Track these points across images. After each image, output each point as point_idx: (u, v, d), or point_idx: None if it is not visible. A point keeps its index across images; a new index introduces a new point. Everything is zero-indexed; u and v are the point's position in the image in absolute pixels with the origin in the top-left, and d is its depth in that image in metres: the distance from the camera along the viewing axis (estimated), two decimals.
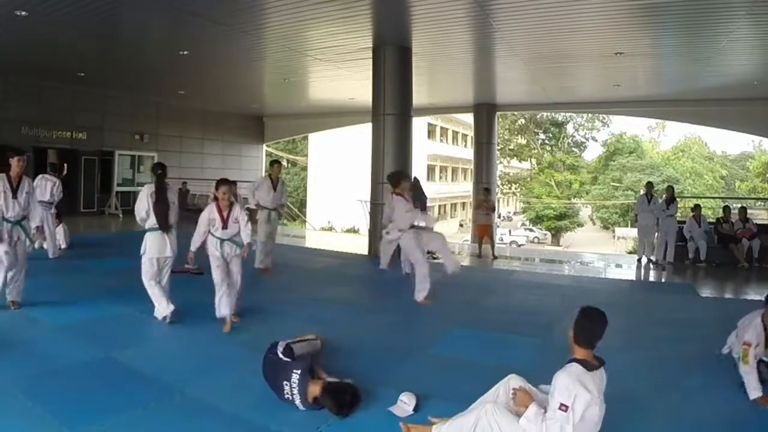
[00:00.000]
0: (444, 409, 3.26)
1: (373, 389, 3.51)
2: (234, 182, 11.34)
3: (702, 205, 10.85)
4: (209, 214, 4.95)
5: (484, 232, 10.54)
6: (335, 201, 29.99)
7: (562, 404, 2.41)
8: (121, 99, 16.16)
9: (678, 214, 10.23)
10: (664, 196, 10.11)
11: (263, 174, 8.16)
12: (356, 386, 3.28)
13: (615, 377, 3.90)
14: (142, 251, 4.98)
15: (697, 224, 9.96)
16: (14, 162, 5.04)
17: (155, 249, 4.93)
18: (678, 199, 10.60)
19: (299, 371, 3.22)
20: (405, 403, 3.21)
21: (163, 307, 4.89)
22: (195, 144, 19.13)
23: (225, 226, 4.93)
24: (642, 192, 10.53)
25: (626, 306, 6.60)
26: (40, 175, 7.95)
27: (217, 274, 4.92)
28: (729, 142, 64.39)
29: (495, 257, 10.35)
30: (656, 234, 10.05)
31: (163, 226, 4.92)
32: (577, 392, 2.40)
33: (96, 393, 3.34)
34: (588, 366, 2.51)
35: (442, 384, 3.67)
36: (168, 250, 4.98)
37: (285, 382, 3.23)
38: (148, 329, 4.81)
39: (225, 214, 4.95)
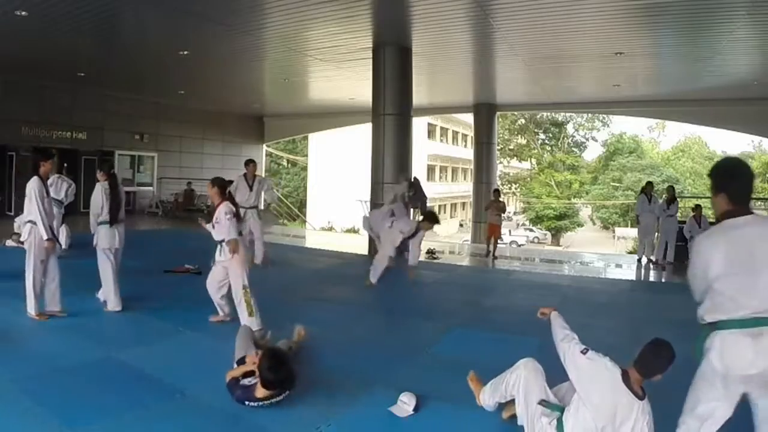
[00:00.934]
0: (444, 409, 3.27)
1: (373, 389, 3.51)
2: (231, 182, 11.41)
3: (702, 205, 10.85)
4: None
5: (493, 231, 10.66)
6: (335, 201, 29.98)
7: (585, 348, 2.59)
8: (121, 99, 16.15)
9: (678, 214, 10.23)
10: (664, 196, 10.11)
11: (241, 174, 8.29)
12: (271, 357, 3.17)
13: None
14: (94, 243, 5.28)
15: (697, 224, 9.95)
16: (47, 164, 4.95)
17: (106, 241, 5.24)
18: (678, 199, 10.60)
19: (247, 402, 3.18)
20: (405, 403, 3.20)
21: (111, 299, 5.19)
22: (195, 144, 19.13)
23: (213, 227, 4.87)
24: (642, 192, 10.55)
25: (626, 306, 6.60)
26: (56, 175, 8.07)
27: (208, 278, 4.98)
28: (729, 142, 64.16)
29: (495, 257, 10.37)
30: (656, 234, 10.06)
31: (114, 220, 5.25)
32: (599, 371, 2.49)
33: (96, 393, 3.33)
34: (627, 381, 2.46)
35: (442, 384, 3.66)
36: (117, 241, 5.30)
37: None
38: (148, 329, 4.80)
39: (214, 214, 4.88)
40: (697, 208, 10.34)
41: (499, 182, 30.51)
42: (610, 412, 2.43)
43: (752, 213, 2.24)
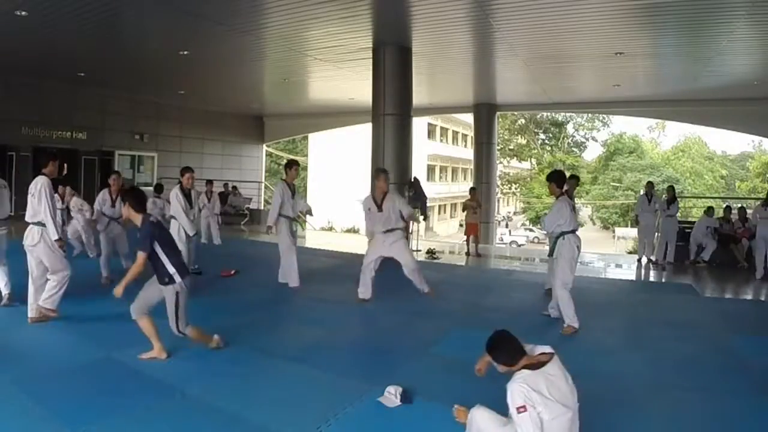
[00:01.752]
0: (444, 410, 3.27)
1: (373, 389, 3.51)
2: (234, 187, 11.27)
3: (702, 206, 10.84)
4: None
5: (470, 230, 10.84)
6: (335, 201, 29.98)
7: (519, 407, 2.34)
8: (121, 99, 16.16)
9: (678, 214, 10.24)
10: (664, 196, 10.10)
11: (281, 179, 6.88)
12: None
13: (614, 377, 3.92)
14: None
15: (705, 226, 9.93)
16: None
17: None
18: (678, 199, 10.60)
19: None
20: (391, 394, 3.32)
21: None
22: (195, 144, 19.13)
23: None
24: (642, 192, 10.54)
25: (626, 306, 6.60)
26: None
27: None
28: (729, 142, 64.46)
29: (478, 255, 10.48)
30: (656, 234, 10.06)
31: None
32: (527, 393, 2.35)
33: (97, 393, 3.34)
34: (532, 367, 2.46)
35: (442, 384, 3.67)
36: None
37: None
38: None
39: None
40: (710, 210, 10.29)
41: (499, 182, 30.52)
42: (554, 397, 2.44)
43: None
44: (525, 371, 2.45)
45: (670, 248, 9.71)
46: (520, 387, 2.38)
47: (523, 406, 2.33)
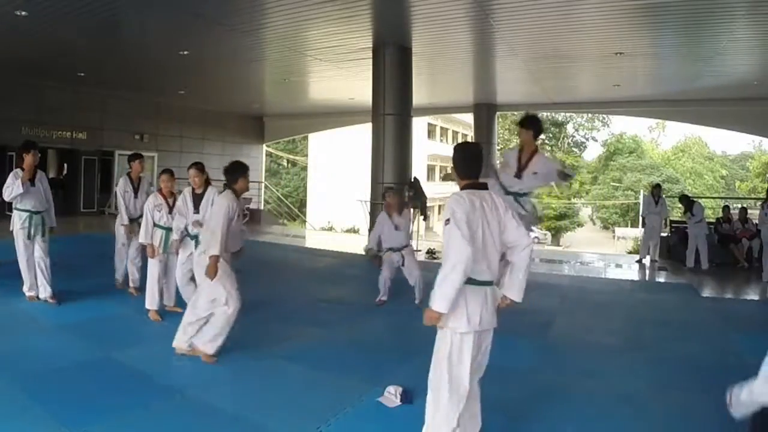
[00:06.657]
0: None
1: (373, 389, 3.51)
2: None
3: (702, 205, 10.80)
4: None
5: None
6: (335, 201, 29.98)
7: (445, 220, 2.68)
8: (121, 99, 16.14)
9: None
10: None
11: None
12: None
13: (615, 377, 3.92)
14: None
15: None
16: (136, 164, 5.85)
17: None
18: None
19: None
20: (391, 394, 3.34)
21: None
22: (195, 144, 19.11)
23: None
24: (647, 193, 10.41)
25: (626, 306, 6.60)
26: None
27: None
28: (729, 142, 64.52)
29: None
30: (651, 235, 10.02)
31: None
32: (454, 207, 2.64)
33: (96, 393, 3.34)
34: (469, 186, 2.70)
35: None
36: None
37: None
38: (148, 329, 4.81)
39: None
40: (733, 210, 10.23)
41: None
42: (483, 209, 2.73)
43: None
44: (459, 192, 2.73)
45: (703, 254, 9.42)
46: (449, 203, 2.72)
47: (447, 220, 2.68)
